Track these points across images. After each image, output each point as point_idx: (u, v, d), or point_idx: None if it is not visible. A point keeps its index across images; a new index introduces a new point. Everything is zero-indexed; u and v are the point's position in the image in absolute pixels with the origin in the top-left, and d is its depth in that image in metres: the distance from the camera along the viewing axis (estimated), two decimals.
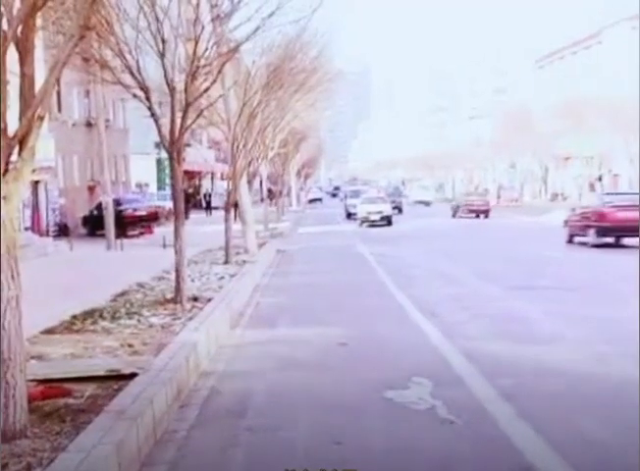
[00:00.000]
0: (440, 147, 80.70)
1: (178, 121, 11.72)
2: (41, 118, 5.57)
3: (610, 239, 22.27)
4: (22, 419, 5.20)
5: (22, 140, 5.42)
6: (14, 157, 5.40)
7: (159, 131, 11.77)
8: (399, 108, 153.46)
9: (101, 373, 6.69)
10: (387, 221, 36.46)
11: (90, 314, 10.28)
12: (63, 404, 5.89)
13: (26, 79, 5.38)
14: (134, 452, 5.18)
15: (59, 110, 30.46)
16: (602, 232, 21.97)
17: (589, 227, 22.44)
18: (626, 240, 22.25)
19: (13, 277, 5.33)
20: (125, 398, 5.85)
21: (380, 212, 36.58)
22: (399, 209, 47.10)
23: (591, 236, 22.24)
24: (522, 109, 55.97)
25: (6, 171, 5.32)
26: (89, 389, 6.34)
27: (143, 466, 5.20)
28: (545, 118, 51.78)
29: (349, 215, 43.05)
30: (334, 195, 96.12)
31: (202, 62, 12.10)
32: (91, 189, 33.60)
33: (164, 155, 43.02)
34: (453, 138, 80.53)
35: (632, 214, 21.13)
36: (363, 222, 36.58)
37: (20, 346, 5.32)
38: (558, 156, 57.81)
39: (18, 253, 5.44)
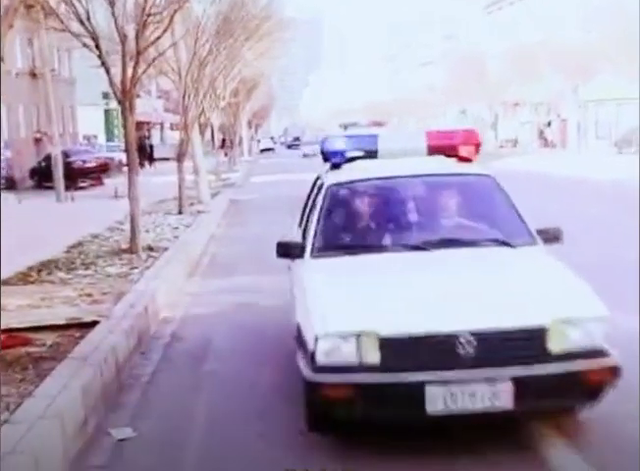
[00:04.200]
0: (393, 95, 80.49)
1: (129, 70, 11.58)
2: None
3: None
4: None
5: None
6: None
7: (110, 82, 11.61)
8: (351, 56, 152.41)
9: (62, 321, 6.74)
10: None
11: (46, 265, 10.26)
12: (25, 353, 5.95)
13: None
14: (99, 398, 5.28)
15: (1, 59, 29.65)
16: None
17: None
18: None
19: None
20: (87, 345, 5.93)
21: None
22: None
23: None
24: (473, 55, 56.07)
25: None
26: (51, 337, 6.40)
27: (108, 411, 5.32)
28: (494, 64, 52.02)
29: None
30: (290, 147, 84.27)
31: (153, 10, 11.92)
32: (38, 141, 32.97)
33: (112, 106, 42.26)
34: (406, 86, 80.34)
35: None
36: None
37: None
38: (507, 102, 58.22)
39: None
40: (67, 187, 23.91)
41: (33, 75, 31.54)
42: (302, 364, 4.29)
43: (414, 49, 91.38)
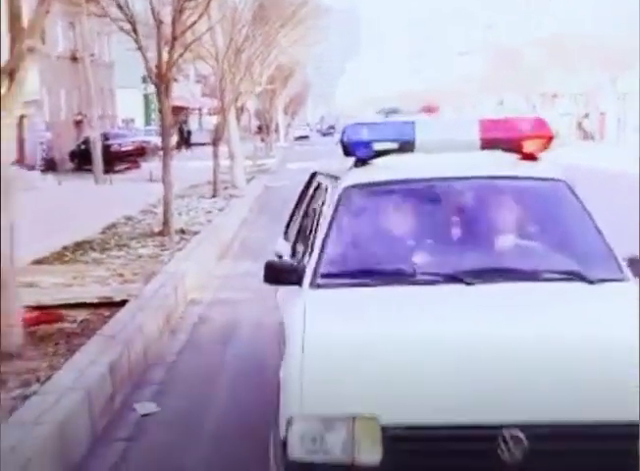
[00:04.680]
0: (428, 84, 79.98)
1: (165, 54, 11.74)
2: (31, 50, 5.67)
3: None
4: (17, 341, 5.45)
5: (11, 73, 5.53)
6: (3, 90, 5.52)
7: (146, 65, 11.80)
8: (388, 45, 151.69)
9: (93, 300, 6.93)
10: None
11: (80, 245, 10.49)
12: (56, 329, 6.14)
13: (14, 14, 5.45)
14: (126, 374, 5.45)
15: (42, 42, 30.09)
16: None
17: None
18: None
19: (6, 204, 5.51)
20: (116, 324, 6.10)
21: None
22: None
23: None
24: (511, 45, 55.57)
25: None
26: (82, 314, 6.59)
27: (134, 387, 5.49)
28: (532, 55, 51.48)
29: None
30: (325, 134, 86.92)
31: None
32: (78, 124, 33.41)
33: (151, 90, 42.64)
34: (442, 75, 79.87)
35: None
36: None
37: (11, 271, 5.52)
38: (545, 94, 57.65)
39: (8, 185, 5.60)
40: (105, 170, 24.26)
41: (74, 58, 31.93)
42: (272, 455, 2.97)
43: (451, 38, 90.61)
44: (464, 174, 4.00)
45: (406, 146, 4.16)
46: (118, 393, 5.15)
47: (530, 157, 4.19)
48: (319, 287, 3.47)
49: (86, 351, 5.37)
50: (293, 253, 4.46)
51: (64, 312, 6.64)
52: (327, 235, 3.70)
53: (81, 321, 6.39)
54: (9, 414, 4.22)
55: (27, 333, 5.75)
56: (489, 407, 2.72)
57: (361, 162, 4.26)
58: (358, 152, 4.24)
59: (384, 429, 2.71)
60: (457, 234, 3.79)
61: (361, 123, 4.53)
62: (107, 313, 6.59)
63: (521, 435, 2.66)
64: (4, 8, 5.42)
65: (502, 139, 4.12)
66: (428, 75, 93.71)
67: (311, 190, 4.83)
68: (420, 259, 3.62)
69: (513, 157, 4.18)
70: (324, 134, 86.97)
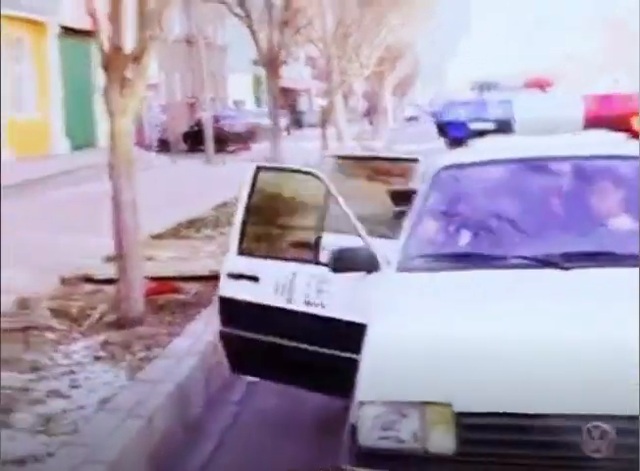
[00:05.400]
0: (543, 61, 78.06)
1: (275, 38, 12.09)
2: (154, 37, 6.06)
3: None
4: (140, 309, 5.88)
5: (136, 58, 5.92)
6: (130, 74, 5.92)
7: (258, 49, 12.17)
8: (500, 23, 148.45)
9: (206, 273, 7.32)
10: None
11: (193, 223, 10.99)
12: (173, 299, 6.56)
13: (142, 3, 5.83)
14: None
15: (161, 29, 31.13)
16: None
17: None
18: None
19: (129, 180, 5.93)
20: None
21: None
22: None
23: None
24: (626, 24, 53.57)
25: (123, 86, 5.86)
26: (196, 286, 6.99)
27: None
28: None
29: None
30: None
31: None
32: (191, 106, 34.45)
33: (261, 72, 43.43)
34: (553, 54, 77.77)
35: None
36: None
37: (137, 243, 5.95)
38: None
39: (131, 162, 6.03)
40: (216, 151, 24.99)
41: (189, 42, 32.89)
42: (345, 439, 2.84)
43: (563, 15, 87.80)
44: (565, 153, 3.76)
45: (504, 126, 4.07)
46: None
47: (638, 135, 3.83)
48: (407, 270, 3.33)
49: (202, 320, 5.74)
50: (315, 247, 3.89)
51: (180, 284, 7.06)
52: (417, 217, 3.56)
53: (196, 292, 6.79)
54: (135, 373, 4.62)
55: (147, 301, 6.17)
56: (574, 398, 2.58)
57: (456, 142, 4.22)
58: (454, 133, 4.01)
59: (458, 416, 2.61)
60: (556, 216, 3.57)
61: (456, 102, 4.23)
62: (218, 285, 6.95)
63: (608, 427, 2.51)
64: None
65: (608, 117, 3.95)
66: (540, 52, 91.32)
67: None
68: (515, 242, 3.41)
69: (620, 135, 3.92)
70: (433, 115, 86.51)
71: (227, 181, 18.38)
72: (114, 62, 5.81)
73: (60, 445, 3.64)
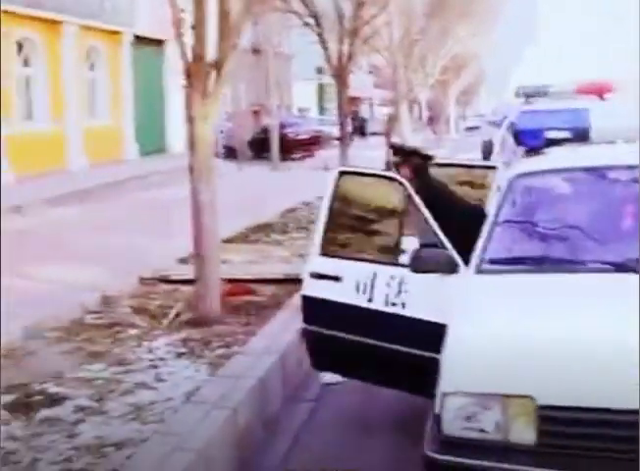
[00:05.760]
0: (614, 71, 76.76)
1: (345, 47, 12.28)
2: (234, 46, 6.28)
3: None
4: (217, 309, 6.09)
5: (218, 66, 6.15)
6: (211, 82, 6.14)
7: (327, 58, 12.38)
8: (564, 31, 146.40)
9: (279, 276, 7.51)
10: None
11: (262, 228, 11.22)
12: (248, 300, 6.76)
13: (224, 15, 6.06)
14: None
15: (239, 37, 31.67)
16: None
17: None
18: None
19: (208, 183, 6.16)
20: None
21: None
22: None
23: None
24: None
25: (204, 94, 6.09)
26: (269, 289, 7.18)
27: None
28: None
29: None
30: (498, 125, 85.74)
31: None
32: (256, 113, 34.89)
33: (325, 81, 43.77)
34: (628, 62, 76.35)
35: None
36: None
37: (215, 245, 6.17)
38: None
39: (211, 166, 6.25)
40: (281, 158, 25.30)
41: (256, 51, 33.38)
42: (428, 428, 3.06)
43: (629, 25, 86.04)
44: (637, 162, 3.81)
45: (581, 135, 4.11)
46: (305, 359, 5.64)
47: None
48: (485, 272, 3.52)
49: (277, 320, 5.92)
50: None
51: (253, 286, 7.26)
52: (494, 222, 3.74)
53: (270, 294, 6.98)
54: (216, 369, 4.82)
55: (224, 302, 6.38)
56: None
57: (533, 151, 4.23)
58: (530, 141, 4.29)
59: (540, 409, 2.76)
60: (628, 222, 3.68)
61: (533, 110, 4.68)
62: (292, 288, 7.13)
63: None
64: (215, 9, 6.03)
65: None
66: (611, 62, 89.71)
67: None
68: (589, 247, 3.56)
69: None
70: (497, 125, 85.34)
71: (293, 187, 18.67)
72: (196, 70, 6.04)
73: (152, 433, 3.84)
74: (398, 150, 4.91)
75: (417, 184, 4.12)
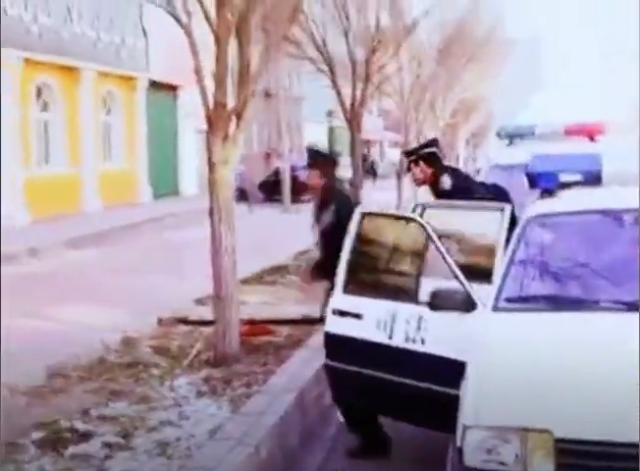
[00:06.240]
0: (619, 116, 77.19)
1: (357, 92, 12.55)
2: (253, 93, 6.50)
3: None
4: (236, 348, 6.21)
5: (238, 113, 6.36)
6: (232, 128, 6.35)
7: (341, 102, 12.64)
8: (571, 76, 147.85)
9: (296, 316, 7.63)
10: None
11: (277, 269, 11.35)
12: (266, 340, 6.88)
13: (245, 63, 6.28)
14: None
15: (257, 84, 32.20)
16: None
17: None
18: None
19: (230, 228, 6.33)
20: (320, 336, 6.73)
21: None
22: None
23: None
24: None
25: (225, 139, 6.30)
26: (286, 329, 7.30)
27: None
28: None
29: None
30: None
31: (381, 37, 12.85)
32: (267, 156, 35.29)
33: (336, 123, 44.26)
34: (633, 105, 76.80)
35: None
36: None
37: (235, 286, 6.31)
38: None
39: (231, 209, 6.43)
40: (292, 200, 25.55)
41: (267, 94, 33.90)
42: (449, 459, 3.27)
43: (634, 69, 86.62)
44: None
45: (593, 178, 4.30)
46: (325, 395, 5.75)
47: None
48: (501, 310, 3.66)
49: (295, 359, 6.04)
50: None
51: (271, 327, 7.38)
52: (511, 261, 3.88)
53: (287, 335, 7.10)
54: (237, 407, 4.93)
55: (242, 342, 6.50)
56: None
57: (547, 193, 4.40)
58: (544, 184, 4.43)
59: (557, 442, 2.87)
60: (637, 262, 3.76)
61: (546, 154, 4.61)
62: (309, 328, 7.25)
63: None
64: (235, 59, 6.26)
65: None
66: (617, 106, 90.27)
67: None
68: (601, 286, 3.73)
69: None
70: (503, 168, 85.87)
71: (304, 229, 18.83)
72: (217, 117, 6.25)
73: (178, 468, 3.95)
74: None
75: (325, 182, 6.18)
